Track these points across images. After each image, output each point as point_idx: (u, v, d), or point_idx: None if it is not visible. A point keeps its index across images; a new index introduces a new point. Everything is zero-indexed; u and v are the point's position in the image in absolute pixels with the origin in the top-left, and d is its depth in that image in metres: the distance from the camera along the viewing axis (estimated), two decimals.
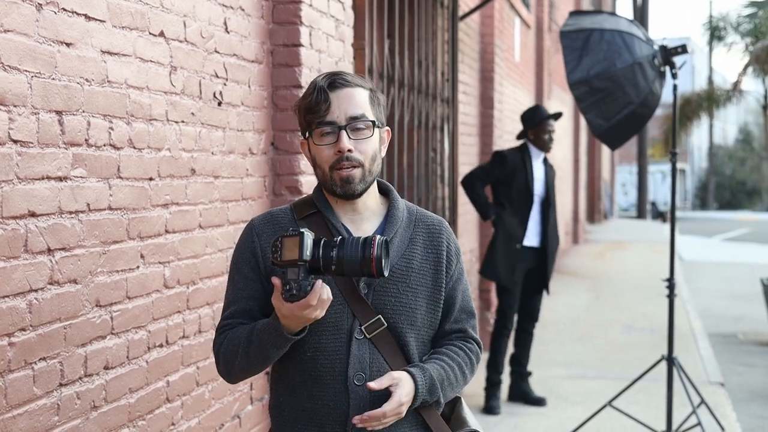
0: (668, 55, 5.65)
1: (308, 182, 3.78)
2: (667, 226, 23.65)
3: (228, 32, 3.34)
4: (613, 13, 6.23)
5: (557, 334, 9.31)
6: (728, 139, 56.10)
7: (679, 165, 40.67)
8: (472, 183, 6.46)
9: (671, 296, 5.55)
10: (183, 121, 3.03)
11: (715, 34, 10.53)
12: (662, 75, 5.72)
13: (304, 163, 3.75)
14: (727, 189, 48.59)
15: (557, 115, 6.66)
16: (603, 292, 12.47)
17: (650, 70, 5.63)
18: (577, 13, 6.26)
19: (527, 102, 12.03)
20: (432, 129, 6.49)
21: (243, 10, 3.46)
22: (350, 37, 4.32)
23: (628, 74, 5.59)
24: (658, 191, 36.96)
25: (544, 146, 6.51)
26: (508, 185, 6.42)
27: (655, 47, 5.67)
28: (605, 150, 24.04)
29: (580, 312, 10.83)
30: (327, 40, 4.01)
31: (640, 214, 29.93)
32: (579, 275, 13.57)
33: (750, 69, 9.58)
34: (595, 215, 25.09)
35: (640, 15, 29.12)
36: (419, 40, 6.15)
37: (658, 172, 37.62)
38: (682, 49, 5.65)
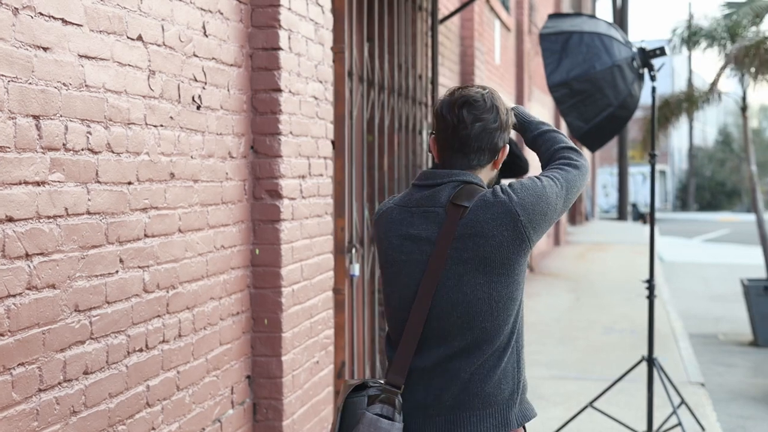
0: (647, 57, 5.69)
1: (288, 185, 3.78)
2: (647, 228, 23.75)
3: (207, 36, 3.33)
4: (592, 16, 6.26)
5: (538, 335, 9.34)
6: (708, 141, 56.44)
7: (660, 167, 40.88)
8: None
9: (651, 297, 5.59)
10: (162, 125, 3.03)
11: (692, 38, 10.57)
12: (641, 77, 5.76)
13: (284, 167, 3.75)
14: (707, 190, 48.85)
15: None
16: (584, 294, 12.52)
17: (629, 72, 5.67)
18: (556, 15, 6.29)
19: (507, 104, 12.04)
20: (412, 132, 6.51)
21: (222, 14, 3.46)
22: (330, 41, 4.33)
23: (607, 77, 5.63)
24: (639, 193, 37.13)
25: None
26: None
27: (634, 50, 5.71)
28: (585, 152, 24.14)
29: (562, 313, 10.87)
30: (306, 43, 4.01)
31: (621, 216, 30.07)
32: (560, 276, 13.63)
33: (727, 69, 9.64)
34: (576, 217, 25.18)
35: (620, 17, 29.26)
36: (399, 44, 6.16)
37: (639, 174, 37.78)
38: (661, 52, 5.69)
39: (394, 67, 6.01)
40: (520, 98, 13.27)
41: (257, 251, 3.70)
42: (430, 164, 6.88)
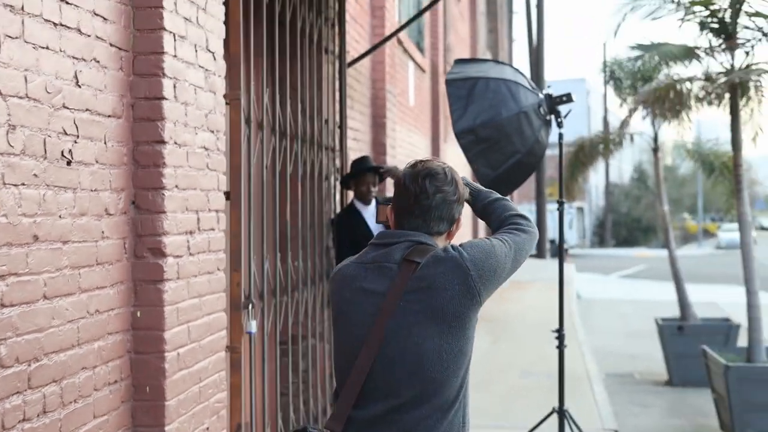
0: (553, 103, 5.64)
1: (173, 242, 3.55)
2: (566, 265, 23.94)
3: (79, 86, 3.11)
4: (498, 62, 6.21)
5: None
6: (624, 178, 57.63)
7: (578, 203, 41.48)
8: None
9: (561, 347, 5.49)
10: (23, 184, 2.78)
11: (609, 78, 10.73)
12: (548, 123, 5.70)
13: (169, 223, 3.52)
14: (623, 226, 49.76)
15: (377, 169, 6.52)
16: (502, 335, 12.45)
17: (536, 118, 5.60)
18: (462, 61, 6.22)
19: (422, 145, 12.01)
20: (318, 178, 6.33)
21: (98, 62, 3.24)
22: (222, 88, 4.13)
23: (513, 123, 5.55)
24: (557, 230, 37.50)
25: (364, 198, 6.42)
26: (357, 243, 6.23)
27: (541, 96, 5.65)
28: None
29: (480, 356, 10.74)
30: (195, 91, 3.80)
31: (540, 254, 30.26)
32: (479, 318, 13.57)
33: (638, 110, 9.78)
34: None
35: (536, 56, 29.71)
36: (303, 88, 6.00)
37: (557, 211, 38.20)
38: (567, 98, 5.65)
39: (297, 111, 5.84)
40: (435, 139, 13.23)
41: (138, 314, 3.45)
42: (338, 210, 6.70)
